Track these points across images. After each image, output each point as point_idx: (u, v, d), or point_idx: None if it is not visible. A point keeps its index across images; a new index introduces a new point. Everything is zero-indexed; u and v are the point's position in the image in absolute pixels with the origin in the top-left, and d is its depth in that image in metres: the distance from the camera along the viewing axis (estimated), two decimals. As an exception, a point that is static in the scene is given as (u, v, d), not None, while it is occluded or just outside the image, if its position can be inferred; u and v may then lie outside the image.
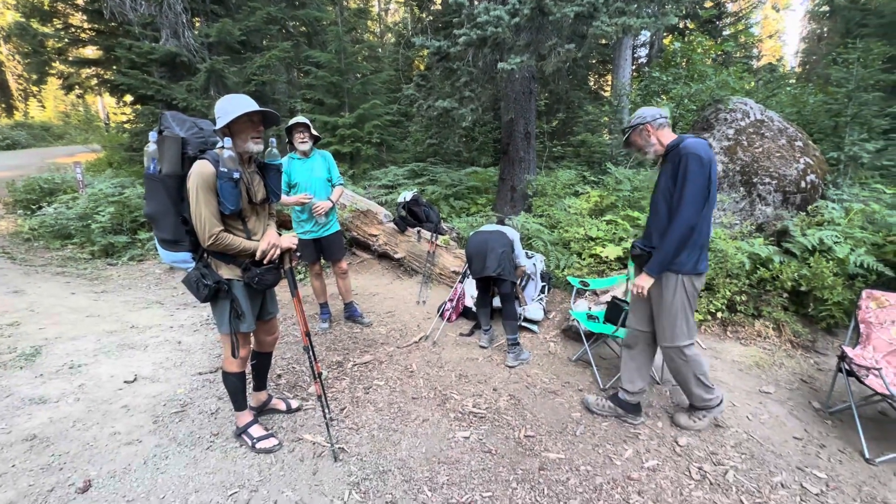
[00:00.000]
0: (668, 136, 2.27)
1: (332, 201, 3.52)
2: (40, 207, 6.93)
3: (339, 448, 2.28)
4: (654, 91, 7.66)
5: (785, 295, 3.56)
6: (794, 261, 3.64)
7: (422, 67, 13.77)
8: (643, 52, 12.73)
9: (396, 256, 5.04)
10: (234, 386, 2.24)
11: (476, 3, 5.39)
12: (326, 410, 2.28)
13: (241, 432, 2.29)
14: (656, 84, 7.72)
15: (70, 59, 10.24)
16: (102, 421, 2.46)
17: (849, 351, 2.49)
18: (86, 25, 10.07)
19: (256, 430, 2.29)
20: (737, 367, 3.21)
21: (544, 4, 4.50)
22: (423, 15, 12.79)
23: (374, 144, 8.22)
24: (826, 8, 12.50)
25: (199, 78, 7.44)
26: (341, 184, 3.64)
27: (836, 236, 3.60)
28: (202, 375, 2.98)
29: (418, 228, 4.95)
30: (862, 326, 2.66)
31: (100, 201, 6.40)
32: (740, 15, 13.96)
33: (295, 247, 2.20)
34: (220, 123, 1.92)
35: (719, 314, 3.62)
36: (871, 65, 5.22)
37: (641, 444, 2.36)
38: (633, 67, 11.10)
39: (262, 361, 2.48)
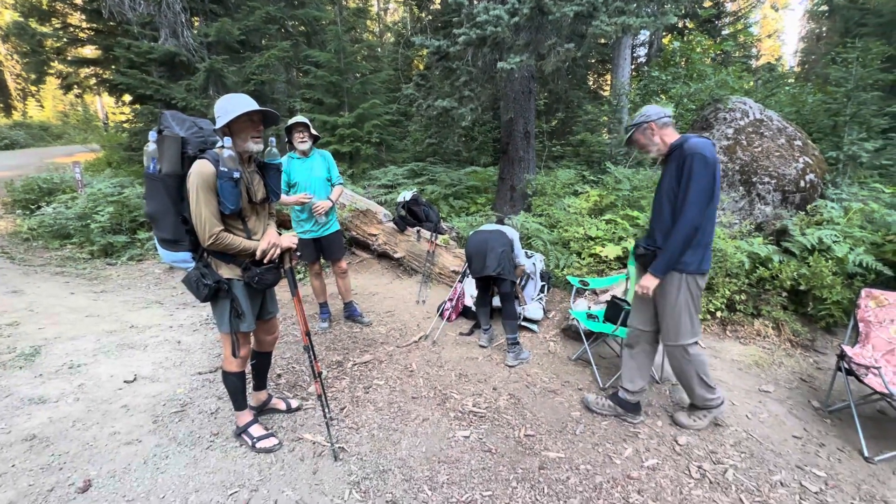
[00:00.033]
0: (672, 136, 2.27)
1: (331, 201, 3.52)
2: (39, 207, 6.91)
3: (340, 447, 2.28)
4: (653, 90, 7.66)
5: (784, 294, 3.57)
6: (794, 260, 3.64)
7: (421, 67, 13.76)
8: (642, 51, 12.72)
9: (396, 256, 5.04)
10: (234, 385, 2.24)
11: (475, 2, 5.38)
12: (326, 410, 2.28)
13: (241, 432, 2.29)
14: (655, 83, 7.72)
15: (69, 58, 10.21)
16: (102, 421, 2.46)
17: (848, 350, 2.50)
18: (84, 25, 10.05)
19: (256, 430, 2.29)
20: (736, 366, 3.21)
21: (544, 4, 4.50)
22: (423, 14, 12.79)
23: (373, 144, 8.21)
24: (825, 7, 12.53)
25: (198, 77, 7.43)
26: (341, 183, 3.64)
27: (836, 235, 3.61)
28: (202, 375, 2.98)
29: (418, 228, 4.95)
30: (861, 325, 2.67)
31: (99, 201, 6.39)
32: (739, 14, 13.96)
33: (295, 246, 2.20)
34: (219, 123, 1.92)
35: (719, 313, 3.62)
36: (870, 64, 5.23)
37: (641, 443, 2.37)
38: (633, 67, 11.10)
39: (262, 361, 2.48)
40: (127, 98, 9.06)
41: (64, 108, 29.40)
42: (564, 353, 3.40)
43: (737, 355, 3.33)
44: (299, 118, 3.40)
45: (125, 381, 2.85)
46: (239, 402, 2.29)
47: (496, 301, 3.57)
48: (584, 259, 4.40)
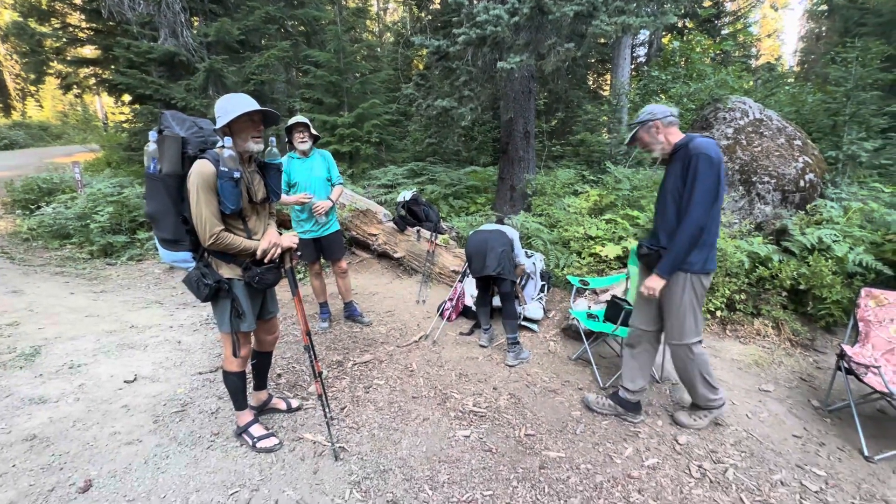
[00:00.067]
0: (677, 135, 2.26)
1: (331, 201, 3.52)
2: (39, 207, 6.91)
3: (340, 447, 2.28)
4: (652, 90, 7.67)
5: (784, 293, 3.57)
6: (793, 259, 3.65)
7: (421, 67, 13.76)
8: (642, 51, 12.73)
9: (396, 256, 5.04)
10: (235, 385, 2.24)
11: (475, 2, 5.38)
12: (327, 409, 2.28)
13: (241, 432, 2.29)
14: (655, 83, 7.73)
15: (68, 58, 10.19)
16: (102, 421, 2.46)
17: (848, 349, 2.50)
18: (84, 25, 10.03)
19: (257, 430, 2.29)
20: (736, 365, 3.22)
21: (543, 3, 4.50)
22: (422, 14, 12.79)
23: (373, 144, 8.21)
24: (824, 7, 12.54)
25: (197, 77, 7.43)
26: (341, 183, 3.64)
27: (835, 235, 3.61)
28: (202, 375, 2.98)
29: (418, 228, 4.95)
30: (861, 325, 2.67)
31: (98, 201, 6.39)
32: (739, 14, 13.97)
33: (295, 246, 2.20)
34: (220, 123, 1.92)
35: (718, 313, 3.62)
36: (870, 64, 5.23)
37: (641, 443, 2.37)
38: (632, 66, 11.11)
39: (262, 361, 2.48)
40: (126, 98, 9.05)
41: (63, 108, 29.38)
42: (564, 353, 3.40)
43: (737, 355, 3.33)
44: (299, 118, 3.40)
45: (125, 381, 2.85)
46: (239, 402, 2.29)
47: (496, 301, 3.57)
48: (584, 259, 4.41)
